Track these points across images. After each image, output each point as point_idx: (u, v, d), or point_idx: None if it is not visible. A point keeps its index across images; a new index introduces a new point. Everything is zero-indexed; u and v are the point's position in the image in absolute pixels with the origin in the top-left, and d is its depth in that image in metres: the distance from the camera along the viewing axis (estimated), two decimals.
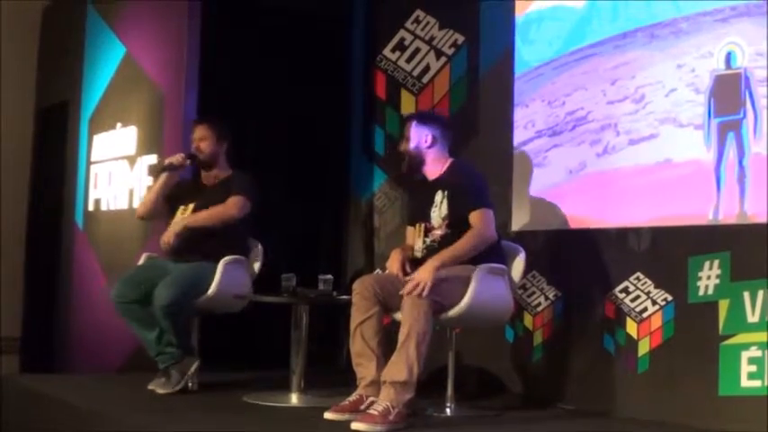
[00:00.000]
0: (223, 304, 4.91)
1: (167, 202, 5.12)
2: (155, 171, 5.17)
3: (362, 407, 4.06)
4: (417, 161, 4.55)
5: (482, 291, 4.24)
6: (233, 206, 4.94)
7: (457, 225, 4.37)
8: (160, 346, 4.78)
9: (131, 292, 4.80)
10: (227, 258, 4.89)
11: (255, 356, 5.68)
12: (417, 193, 4.68)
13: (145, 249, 5.44)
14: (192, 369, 4.80)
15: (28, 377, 6.03)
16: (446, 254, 4.24)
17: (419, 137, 4.53)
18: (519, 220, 5.23)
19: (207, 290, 4.81)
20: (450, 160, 4.56)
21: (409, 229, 4.67)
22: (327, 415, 4.09)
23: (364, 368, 4.18)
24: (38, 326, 7.55)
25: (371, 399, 4.07)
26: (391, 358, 4.04)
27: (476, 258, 4.30)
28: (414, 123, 4.57)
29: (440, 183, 4.50)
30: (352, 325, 4.23)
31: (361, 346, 4.19)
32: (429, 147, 4.52)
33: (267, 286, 4.85)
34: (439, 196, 4.45)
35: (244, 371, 5.50)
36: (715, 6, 4.36)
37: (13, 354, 7.58)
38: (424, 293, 4.03)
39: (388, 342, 4.20)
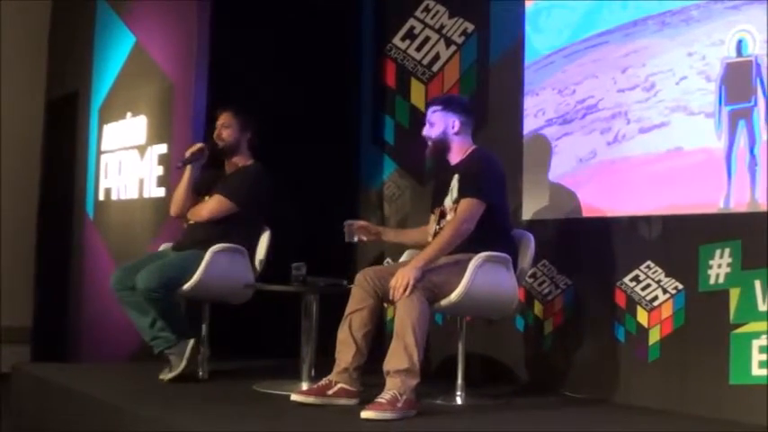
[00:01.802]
0: (230, 293, 4.93)
1: (197, 194, 5.13)
2: (182, 165, 5.13)
3: (330, 392, 4.13)
4: (443, 147, 4.55)
5: (480, 279, 4.23)
6: (204, 209, 5.01)
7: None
8: (153, 330, 4.81)
9: (126, 278, 4.84)
10: (216, 247, 4.87)
11: (265, 345, 5.69)
12: (439, 179, 4.69)
13: (155, 238, 5.45)
14: (189, 350, 4.78)
15: (39, 366, 6.04)
16: (425, 254, 4.23)
17: (446, 123, 4.51)
18: (529, 209, 5.22)
19: (189, 278, 4.83)
20: (472, 147, 4.55)
21: (431, 215, 4.67)
22: (294, 397, 4.16)
23: (343, 355, 4.20)
24: (49, 315, 7.57)
25: (340, 385, 4.14)
26: (390, 349, 4.05)
27: (478, 247, 4.29)
28: (440, 109, 4.54)
29: (458, 168, 4.50)
30: (345, 312, 4.26)
31: (346, 334, 4.22)
32: (456, 133, 4.52)
33: (278, 275, 4.86)
34: (454, 181, 4.45)
35: (254, 360, 5.51)
36: None
37: (25, 343, 7.61)
38: (407, 292, 4.05)
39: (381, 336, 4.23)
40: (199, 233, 4.97)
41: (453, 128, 4.50)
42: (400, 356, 3.99)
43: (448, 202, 4.48)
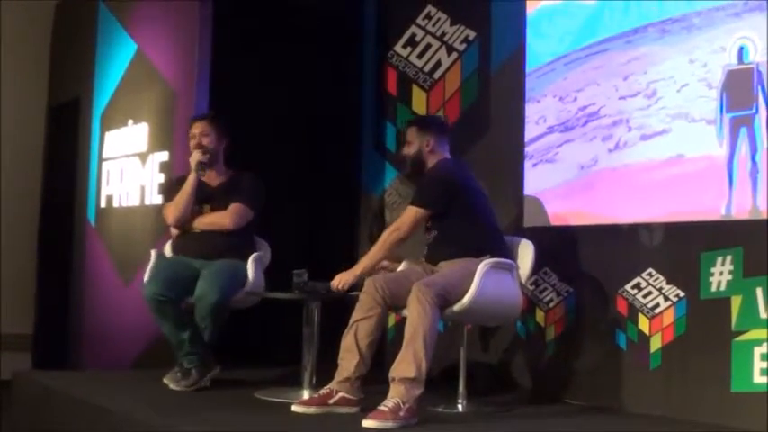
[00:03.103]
0: (239, 301, 4.94)
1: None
2: (203, 170, 5.10)
3: (331, 401, 4.13)
4: (420, 165, 4.71)
5: (488, 285, 4.26)
6: (227, 218, 5.00)
7: (435, 219, 4.54)
8: (191, 346, 4.77)
9: (167, 290, 4.74)
10: (255, 255, 4.97)
11: (267, 353, 5.69)
12: None
13: (156, 245, 5.44)
14: (212, 375, 4.82)
15: (40, 373, 6.04)
16: (362, 261, 4.57)
17: (421, 142, 4.70)
18: (531, 216, 5.22)
19: (242, 286, 4.87)
20: (437, 159, 4.68)
21: None
22: (295, 408, 4.14)
23: (346, 363, 4.20)
24: (50, 322, 7.58)
25: (341, 394, 4.14)
26: (399, 355, 4.05)
27: (481, 252, 4.35)
28: (416, 129, 4.74)
29: None
30: (351, 319, 4.26)
31: (350, 342, 4.21)
32: (431, 151, 4.69)
33: (279, 282, 4.86)
34: None
35: (255, 367, 5.51)
36: (727, 1, 4.34)
37: (26, 350, 7.61)
38: (340, 287, 4.47)
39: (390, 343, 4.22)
40: (225, 240, 4.96)
41: (428, 146, 4.69)
42: (408, 364, 3.99)
43: None
